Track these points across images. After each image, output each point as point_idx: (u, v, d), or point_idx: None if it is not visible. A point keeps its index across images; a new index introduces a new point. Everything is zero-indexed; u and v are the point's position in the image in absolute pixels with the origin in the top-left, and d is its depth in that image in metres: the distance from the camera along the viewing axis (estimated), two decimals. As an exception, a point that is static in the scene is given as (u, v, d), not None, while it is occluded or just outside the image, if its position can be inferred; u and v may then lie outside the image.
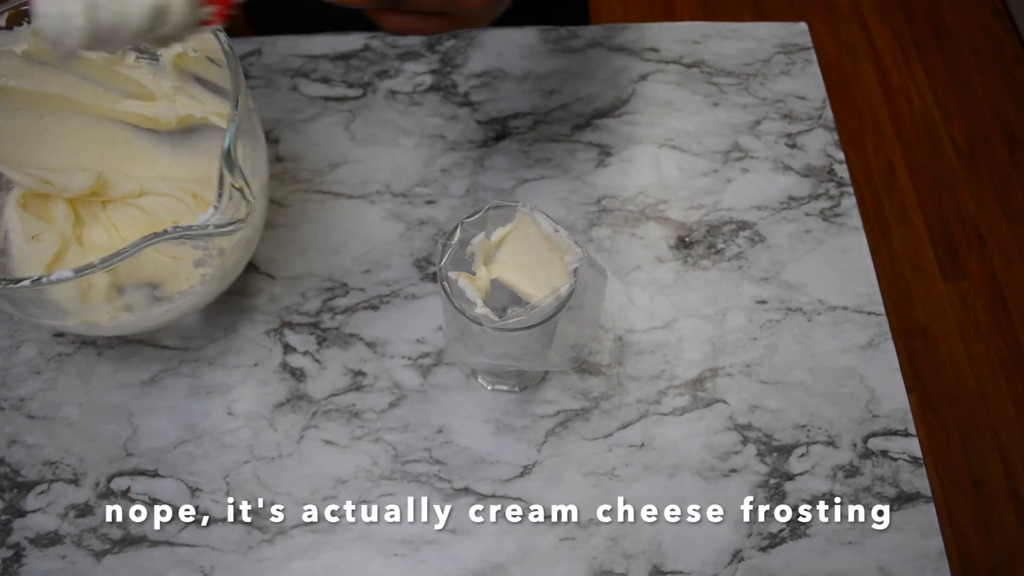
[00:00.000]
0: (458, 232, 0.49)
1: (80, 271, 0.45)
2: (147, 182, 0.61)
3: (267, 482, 0.56)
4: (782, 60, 0.73)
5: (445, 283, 0.49)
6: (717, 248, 0.64)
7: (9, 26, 0.54)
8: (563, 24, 0.75)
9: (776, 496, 0.56)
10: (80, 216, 0.60)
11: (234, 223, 0.46)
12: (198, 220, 0.45)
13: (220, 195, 0.45)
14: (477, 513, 0.55)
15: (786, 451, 0.57)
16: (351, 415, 0.58)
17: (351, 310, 0.62)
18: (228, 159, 0.45)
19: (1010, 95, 1.63)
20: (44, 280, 0.45)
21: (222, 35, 0.52)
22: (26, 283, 0.45)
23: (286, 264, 0.63)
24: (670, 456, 0.57)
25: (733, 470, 0.57)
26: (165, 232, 0.45)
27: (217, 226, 0.45)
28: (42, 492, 0.56)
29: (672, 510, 0.55)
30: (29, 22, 0.54)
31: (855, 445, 0.58)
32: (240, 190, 0.46)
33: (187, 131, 0.62)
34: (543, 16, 0.77)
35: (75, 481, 0.56)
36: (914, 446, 0.58)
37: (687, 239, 0.65)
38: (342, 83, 0.71)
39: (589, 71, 0.72)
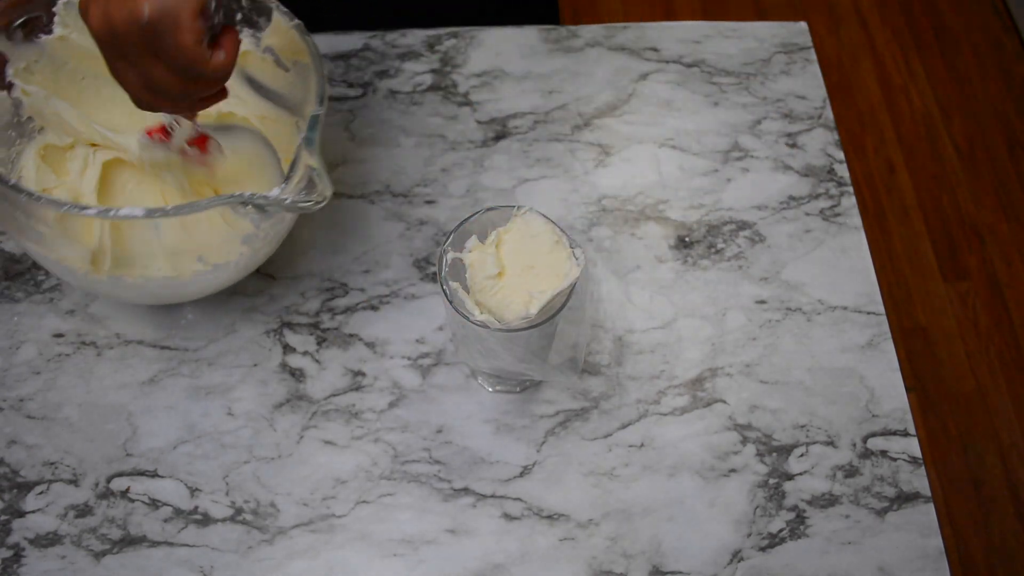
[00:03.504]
0: (449, 255, 0.49)
1: (151, 212, 0.46)
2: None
3: (267, 482, 0.56)
4: (782, 60, 0.73)
5: (446, 288, 0.49)
6: (717, 248, 0.64)
7: None
8: (532, 18, 0.76)
9: (776, 496, 0.56)
10: (108, 181, 0.60)
11: (310, 201, 0.48)
12: (271, 193, 0.47)
13: (291, 175, 0.47)
14: (477, 513, 0.55)
15: (786, 451, 0.57)
16: (351, 415, 0.58)
17: (351, 310, 0.62)
18: (309, 143, 0.49)
19: (1010, 95, 1.63)
20: (112, 213, 0.46)
21: (307, 36, 0.54)
22: (92, 211, 0.47)
23: (286, 264, 0.63)
24: (670, 456, 0.57)
25: (733, 470, 0.57)
26: (242, 195, 0.47)
27: (294, 201, 0.47)
28: (42, 492, 0.56)
29: (672, 510, 0.55)
30: None
31: (854, 445, 0.58)
32: (315, 172, 0.48)
33: (220, 128, 0.62)
34: (509, 10, 0.78)
35: (75, 481, 0.56)
36: (913, 446, 0.58)
37: (687, 239, 0.65)
38: (342, 83, 0.70)
39: (589, 71, 0.72)
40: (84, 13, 0.45)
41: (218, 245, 0.54)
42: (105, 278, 0.53)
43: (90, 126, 0.59)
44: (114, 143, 0.59)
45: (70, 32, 0.57)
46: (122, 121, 0.60)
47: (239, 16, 0.58)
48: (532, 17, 0.78)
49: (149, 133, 0.56)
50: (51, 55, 0.57)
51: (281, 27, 0.57)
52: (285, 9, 0.56)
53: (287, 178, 0.48)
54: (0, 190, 0.48)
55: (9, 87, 0.55)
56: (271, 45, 0.59)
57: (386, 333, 0.61)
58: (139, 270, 0.54)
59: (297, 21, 0.55)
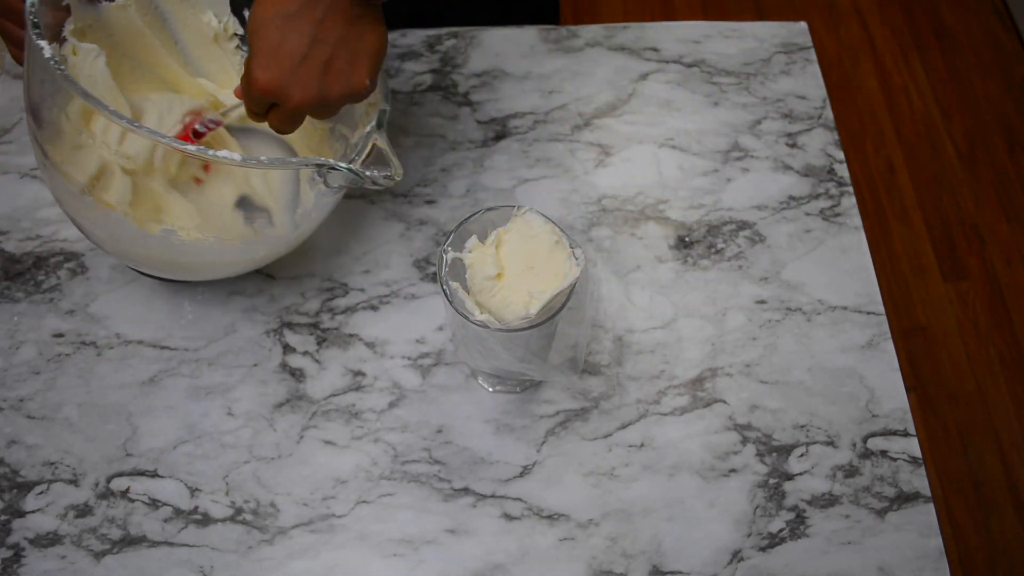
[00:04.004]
0: (449, 254, 0.49)
1: (246, 160, 0.48)
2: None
3: (267, 482, 0.56)
4: (782, 60, 0.73)
5: (446, 288, 0.49)
6: (717, 248, 0.64)
7: None
8: (531, 17, 0.76)
9: (776, 496, 0.56)
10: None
11: (387, 176, 0.52)
12: (349, 165, 0.51)
13: (360, 151, 0.52)
14: (477, 513, 0.55)
15: (786, 451, 0.57)
16: (351, 415, 0.58)
17: (351, 310, 0.62)
18: (380, 125, 0.53)
19: (1010, 95, 1.63)
20: (211, 154, 0.47)
21: None
22: (191, 148, 0.47)
23: (286, 264, 0.63)
24: (670, 456, 0.57)
25: (733, 470, 0.57)
26: (327, 160, 0.50)
27: (375, 175, 0.51)
28: (42, 492, 0.56)
29: (672, 510, 0.55)
30: None
31: (855, 445, 0.58)
32: (386, 152, 0.52)
33: (241, 130, 0.63)
34: (512, 8, 0.78)
35: (74, 481, 0.56)
36: (913, 446, 0.57)
37: (687, 239, 0.65)
38: (342, 83, 0.70)
39: (589, 71, 0.72)
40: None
41: (278, 212, 0.57)
42: (155, 234, 0.53)
43: (119, 97, 0.59)
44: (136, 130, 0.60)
45: (130, 4, 0.58)
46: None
47: None
48: (532, 17, 0.78)
49: (186, 136, 0.58)
50: (105, 23, 0.58)
51: None
52: None
53: (356, 154, 0.52)
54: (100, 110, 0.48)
55: (62, 42, 0.55)
56: None
57: (386, 333, 0.61)
58: (191, 224, 0.55)
59: None
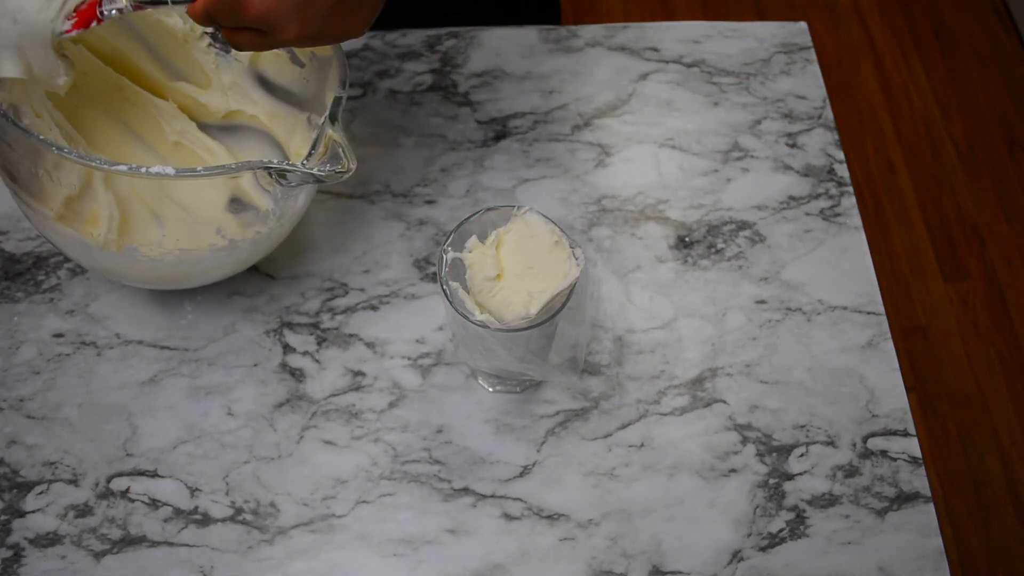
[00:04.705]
0: (449, 254, 0.49)
1: (181, 172, 0.47)
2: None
3: (267, 482, 0.56)
4: (782, 60, 0.73)
5: (446, 288, 0.49)
6: (717, 248, 0.64)
7: None
8: (534, 17, 0.76)
9: (776, 496, 0.56)
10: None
11: (337, 172, 0.49)
12: (299, 163, 0.49)
13: (314, 148, 0.49)
14: (477, 513, 0.55)
15: (785, 451, 0.57)
16: (351, 415, 0.58)
17: (351, 310, 0.62)
18: (334, 117, 0.51)
19: (1010, 95, 1.63)
20: (144, 171, 0.46)
21: None
22: (123, 168, 0.47)
23: (286, 264, 0.63)
24: (670, 456, 0.57)
25: (733, 470, 0.57)
26: (271, 160, 0.49)
27: (319, 171, 0.49)
28: (42, 492, 0.56)
29: (672, 510, 0.55)
30: None
31: (854, 445, 0.58)
32: (340, 145, 0.50)
33: (226, 128, 0.63)
34: (513, 9, 0.78)
35: (74, 481, 0.56)
36: (913, 446, 0.57)
37: (687, 239, 0.65)
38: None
39: (589, 71, 0.72)
40: None
41: (237, 218, 0.55)
42: (120, 252, 0.53)
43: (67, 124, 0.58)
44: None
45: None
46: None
47: None
48: (535, 17, 0.78)
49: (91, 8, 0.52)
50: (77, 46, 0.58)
51: None
52: None
53: (311, 150, 0.49)
54: (28, 142, 0.48)
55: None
56: None
57: (386, 333, 0.61)
58: (155, 240, 0.54)
59: None
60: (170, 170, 0.47)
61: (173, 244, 0.54)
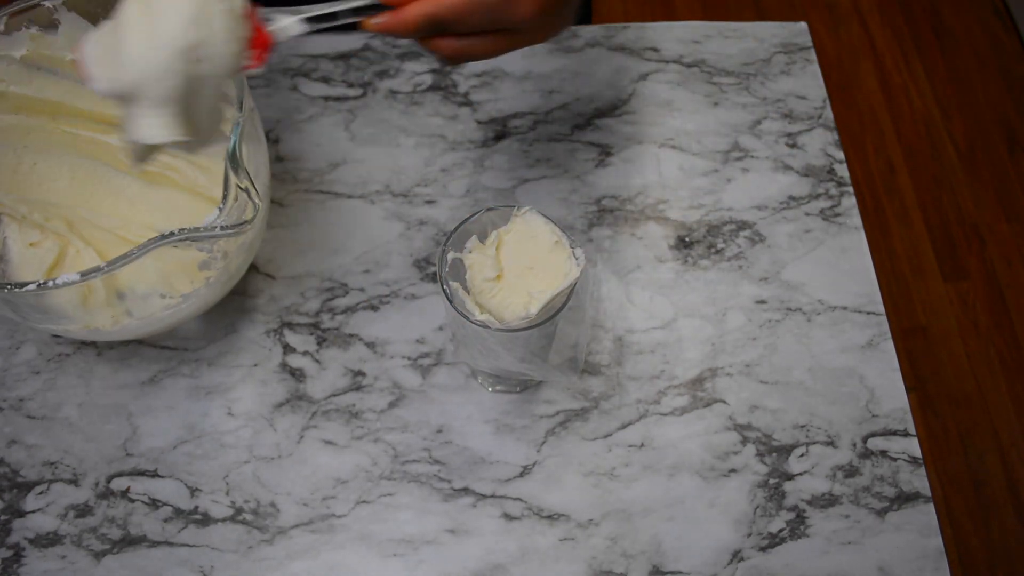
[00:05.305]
0: (449, 255, 0.49)
1: (86, 274, 0.44)
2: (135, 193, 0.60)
3: (267, 482, 0.56)
4: (782, 60, 0.73)
5: (446, 288, 0.49)
6: (717, 248, 0.64)
7: (8, 31, 0.54)
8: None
9: (776, 496, 0.56)
10: (75, 224, 0.59)
11: (241, 224, 0.45)
12: (204, 221, 0.45)
13: (225, 197, 0.45)
14: (477, 513, 0.55)
15: (786, 451, 0.57)
16: (351, 415, 0.58)
17: (351, 310, 0.62)
18: (233, 160, 0.45)
19: (1010, 95, 1.63)
20: (50, 284, 0.44)
21: None
22: (32, 287, 0.45)
23: (286, 264, 0.63)
24: (670, 456, 0.57)
25: (733, 470, 0.57)
26: (171, 234, 0.44)
27: (224, 227, 0.45)
28: (42, 492, 0.56)
29: (672, 510, 0.55)
30: (28, 27, 0.54)
31: (855, 445, 0.58)
32: (246, 191, 0.45)
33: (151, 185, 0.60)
34: None
35: (74, 481, 0.56)
36: (914, 446, 0.58)
37: (687, 239, 0.65)
38: (342, 83, 0.71)
39: (589, 71, 0.72)
40: None
41: (175, 281, 0.51)
42: (88, 330, 0.51)
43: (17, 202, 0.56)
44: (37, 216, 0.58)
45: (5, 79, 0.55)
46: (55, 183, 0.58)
47: None
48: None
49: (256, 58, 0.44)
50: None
51: None
52: None
53: (222, 203, 0.45)
54: None
55: None
56: None
57: (386, 333, 0.61)
58: (109, 320, 0.51)
59: None
60: (74, 276, 0.44)
61: (127, 319, 0.51)
